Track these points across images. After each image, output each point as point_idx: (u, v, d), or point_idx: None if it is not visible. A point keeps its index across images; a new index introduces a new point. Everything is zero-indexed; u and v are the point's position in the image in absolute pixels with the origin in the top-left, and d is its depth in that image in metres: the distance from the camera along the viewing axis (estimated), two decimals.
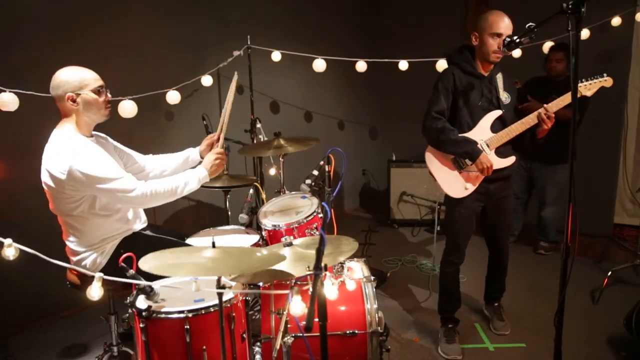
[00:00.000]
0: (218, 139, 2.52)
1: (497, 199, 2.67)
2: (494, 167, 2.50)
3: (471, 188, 2.55)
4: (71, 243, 2.20)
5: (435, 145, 2.60)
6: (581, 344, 2.78)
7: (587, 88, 2.47)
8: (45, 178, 2.09)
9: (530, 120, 2.48)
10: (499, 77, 2.63)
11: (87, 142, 2.12)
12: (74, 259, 2.21)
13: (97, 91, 2.14)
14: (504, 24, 2.42)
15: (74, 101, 2.09)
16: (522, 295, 3.42)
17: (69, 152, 2.01)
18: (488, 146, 2.54)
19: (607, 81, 2.47)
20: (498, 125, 2.57)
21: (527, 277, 3.72)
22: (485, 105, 2.56)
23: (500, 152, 2.58)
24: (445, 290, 2.85)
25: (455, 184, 2.58)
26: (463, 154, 2.52)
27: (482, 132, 2.55)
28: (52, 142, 2.10)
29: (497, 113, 2.56)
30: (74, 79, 2.09)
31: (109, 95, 2.20)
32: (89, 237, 2.16)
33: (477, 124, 2.56)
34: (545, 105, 2.44)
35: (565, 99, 2.42)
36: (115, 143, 2.40)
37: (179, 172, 2.34)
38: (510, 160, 2.58)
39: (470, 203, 2.62)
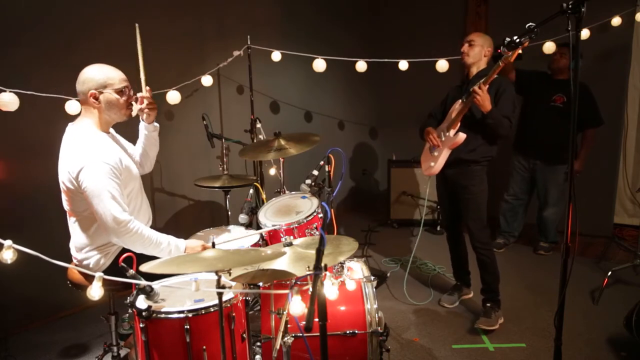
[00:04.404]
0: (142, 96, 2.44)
1: (460, 186, 3.05)
2: (451, 141, 2.92)
3: (434, 166, 3.03)
4: (78, 240, 2.19)
5: None
6: (581, 344, 2.78)
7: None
8: (62, 175, 2.09)
9: (467, 100, 2.87)
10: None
11: (105, 138, 2.15)
12: (79, 255, 2.21)
13: (120, 91, 2.15)
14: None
15: (96, 99, 2.11)
16: (522, 295, 3.42)
17: (88, 149, 2.03)
18: (448, 128, 2.99)
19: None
20: (468, 113, 2.93)
21: (527, 277, 3.72)
22: (459, 99, 3.02)
23: (468, 140, 2.91)
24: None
25: (426, 163, 3.19)
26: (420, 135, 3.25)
27: (448, 119, 3.07)
28: (70, 138, 2.11)
29: (458, 102, 2.98)
30: (100, 77, 2.11)
31: (132, 94, 2.22)
32: (96, 237, 2.16)
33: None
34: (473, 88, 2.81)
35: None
36: (118, 136, 2.40)
37: (147, 147, 2.47)
38: (458, 135, 2.91)
39: (441, 183, 3.26)
